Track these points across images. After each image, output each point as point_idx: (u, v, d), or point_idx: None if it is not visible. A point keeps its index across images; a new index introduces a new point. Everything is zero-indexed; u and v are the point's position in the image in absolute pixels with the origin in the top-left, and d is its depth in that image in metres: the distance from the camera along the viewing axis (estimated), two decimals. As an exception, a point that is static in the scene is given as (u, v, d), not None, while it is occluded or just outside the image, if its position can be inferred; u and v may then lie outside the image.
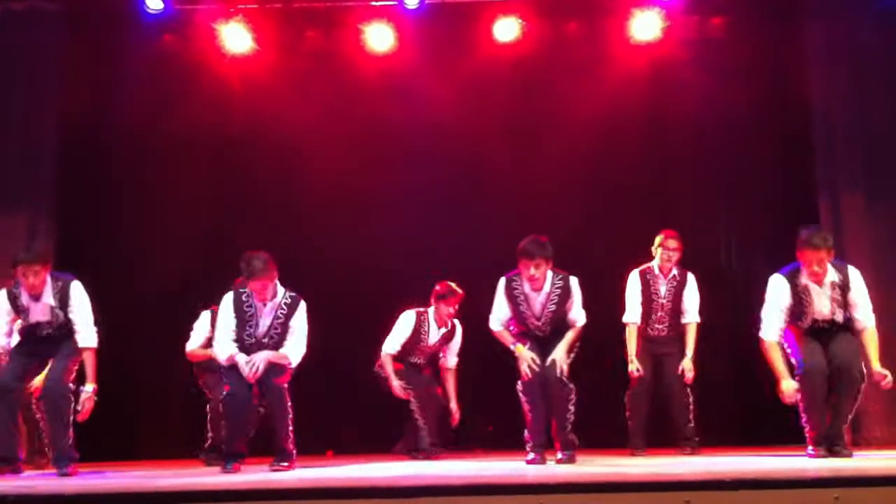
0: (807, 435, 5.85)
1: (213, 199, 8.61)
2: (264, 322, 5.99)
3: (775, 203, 8.29)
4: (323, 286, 7.81)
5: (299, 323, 6.06)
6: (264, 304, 5.98)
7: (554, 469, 5.37)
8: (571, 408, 5.96)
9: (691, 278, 7.16)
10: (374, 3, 8.36)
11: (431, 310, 7.32)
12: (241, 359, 5.86)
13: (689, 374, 7.03)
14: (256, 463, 6.16)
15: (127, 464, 7.26)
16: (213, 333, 6.35)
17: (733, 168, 8.38)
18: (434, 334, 7.34)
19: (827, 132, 8.23)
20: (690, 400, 7.06)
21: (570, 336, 6.02)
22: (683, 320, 7.12)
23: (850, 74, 8.29)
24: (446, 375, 7.47)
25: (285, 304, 6.03)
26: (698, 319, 7.13)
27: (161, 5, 8.21)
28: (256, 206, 8.75)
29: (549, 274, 5.94)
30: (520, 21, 8.25)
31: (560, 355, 5.91)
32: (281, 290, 6.06)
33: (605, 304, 6.98)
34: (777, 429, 7.27)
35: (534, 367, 5.87)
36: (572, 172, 8.50)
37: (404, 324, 7.28)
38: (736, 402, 8.40)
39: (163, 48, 8.54)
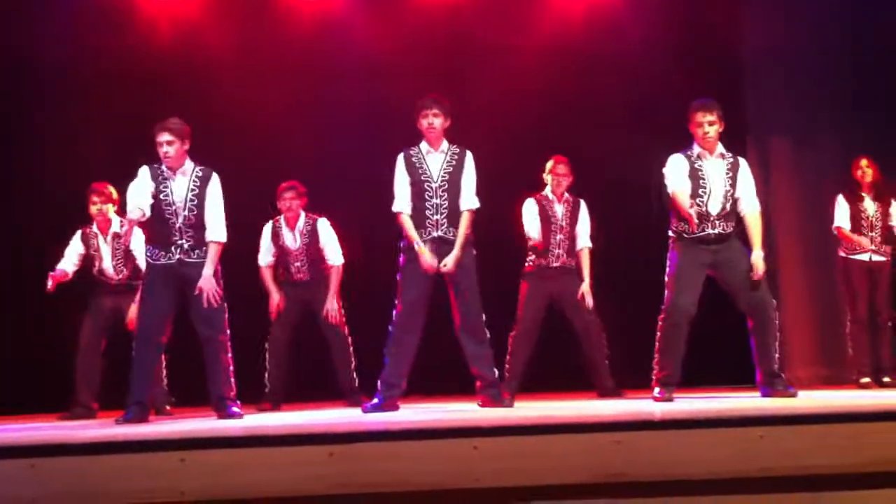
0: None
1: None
2: (179, 194, 5.81)
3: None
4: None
5: (214, 197, 5.88)
6: (174, 174, 5.82)
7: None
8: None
9: (583, 205, 7.19)
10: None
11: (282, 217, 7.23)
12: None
13: (589, 299, 7.03)
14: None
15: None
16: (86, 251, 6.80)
17: (664, 112, 8.36)
18: (290, 238, 7.19)
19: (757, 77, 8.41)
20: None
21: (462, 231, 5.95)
22: (577, 247, 7.14)
23: (784, 17, 8.46)
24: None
25: (197, 176, 5.86)
26: (590, 245, 7.17)
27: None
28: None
29: (446, 142, 6.06)
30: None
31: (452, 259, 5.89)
32: (191, 163, 5.90)
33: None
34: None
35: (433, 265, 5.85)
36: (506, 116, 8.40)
37: (263, 234, 7.26)
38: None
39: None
